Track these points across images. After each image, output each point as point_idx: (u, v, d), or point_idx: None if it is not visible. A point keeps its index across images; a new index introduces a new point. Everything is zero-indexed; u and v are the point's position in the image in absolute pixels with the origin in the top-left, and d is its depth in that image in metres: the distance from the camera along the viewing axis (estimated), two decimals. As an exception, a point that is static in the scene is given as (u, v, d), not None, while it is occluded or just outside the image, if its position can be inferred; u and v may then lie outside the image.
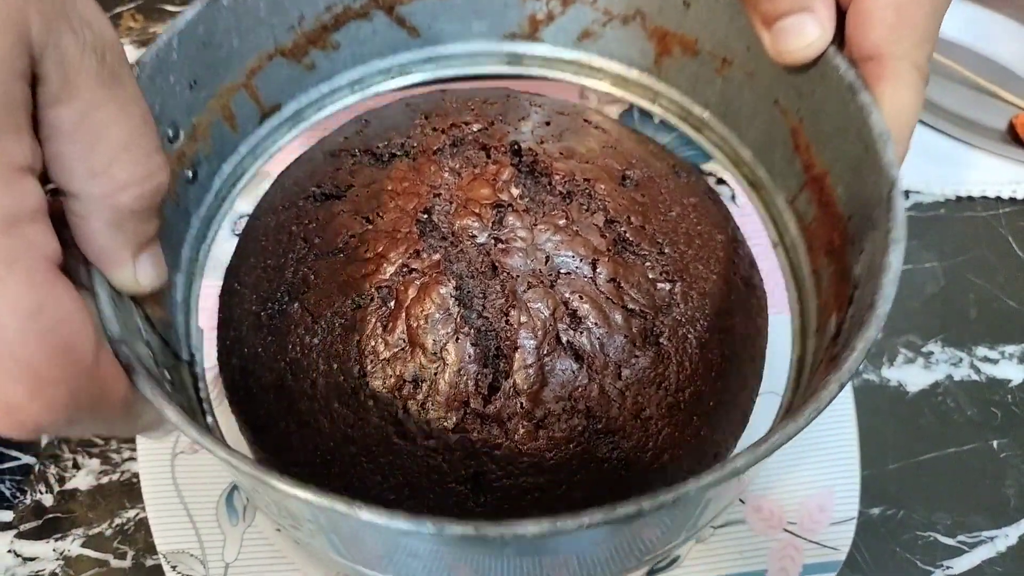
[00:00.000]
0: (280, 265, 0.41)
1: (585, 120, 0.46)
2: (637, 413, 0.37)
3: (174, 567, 0.42)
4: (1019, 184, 0.61)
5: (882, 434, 0.51)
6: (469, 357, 0.36)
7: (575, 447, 0.36)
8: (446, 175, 0.40)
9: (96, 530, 0.47)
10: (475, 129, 0.43)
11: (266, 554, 0.43)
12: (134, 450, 0.48)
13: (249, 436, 0.40)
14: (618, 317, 0.38)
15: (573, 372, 0.37)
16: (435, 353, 0.36)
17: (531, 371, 0.36)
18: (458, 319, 0.37)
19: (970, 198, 0.62)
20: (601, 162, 0.42)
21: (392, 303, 0.38)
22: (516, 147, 0.42)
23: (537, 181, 0.41)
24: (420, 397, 0.36)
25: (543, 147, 0.42)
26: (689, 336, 0.40)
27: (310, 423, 0.38)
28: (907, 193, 0.61)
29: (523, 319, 0.37)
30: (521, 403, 0.36)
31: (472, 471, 0.36)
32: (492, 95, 0.47)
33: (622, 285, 0.39)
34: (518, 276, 0.37)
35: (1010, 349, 0.54)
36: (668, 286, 0.40)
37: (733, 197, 0.58)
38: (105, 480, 0.49)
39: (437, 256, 0.38)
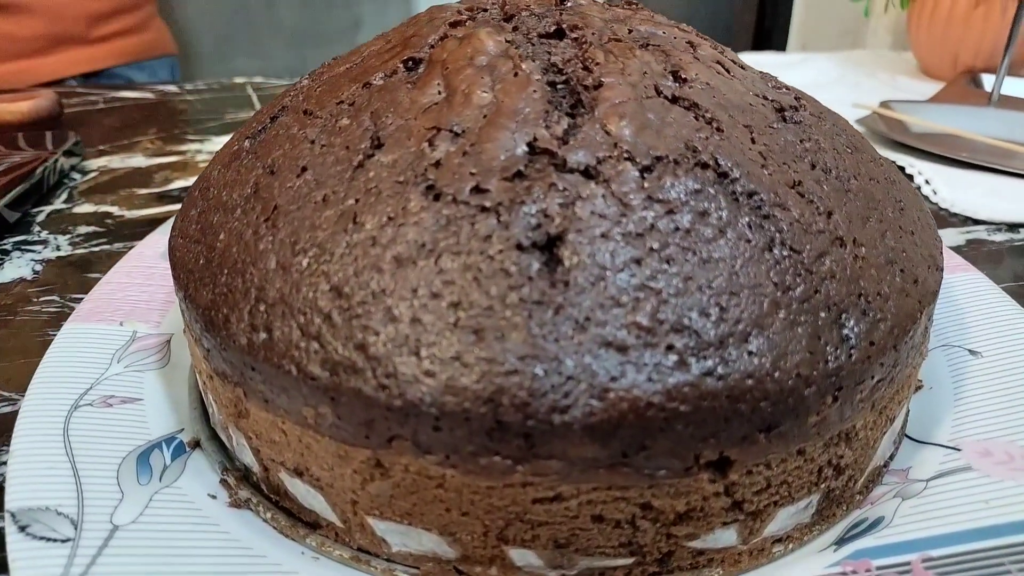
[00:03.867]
0: (275, 103, 0.31)
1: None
2: (792, 184, 0.25)
3: (23, 527, 0.24)
4: None
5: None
6: (534, 95, 0.25)
7: (703, 203, 0.23)
8: (490, 3, 0.33)
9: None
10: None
11: (183, 519, 0.25)
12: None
13: (199, 277, 0.26)
14: (738, 86, 0.28)
15: (686, 121, 0.25)
16: (484, 93, 0.25)
17: (626, 109, 0.24)
18: (516, 60, 0.26)
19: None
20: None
21: (423, 66, 0.27)
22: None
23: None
24: (460, 148, 0.24)
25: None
26: (836, 140, 0.28)
27: (292, 213, 0.25)
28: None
29: (609, 59, 0.26)
30: (615, 144, 0.24)
31: (544, 236, 0.22)
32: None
33: (732, 73, 0.29)
34: (594, 33, 0.28)
35: None
36: (789, 96, 0.30)
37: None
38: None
39: (486, 15, 0.29)
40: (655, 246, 0.22)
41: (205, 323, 0.25)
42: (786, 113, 0.28)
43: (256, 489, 0.28)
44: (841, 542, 0.25)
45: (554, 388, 0.20)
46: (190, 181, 0.63)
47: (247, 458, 0.27)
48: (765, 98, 0.28)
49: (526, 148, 0.23)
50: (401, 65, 0.28)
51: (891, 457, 0.29)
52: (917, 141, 0.67)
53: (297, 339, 0.22)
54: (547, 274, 0.22)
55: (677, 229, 0.22)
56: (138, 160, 0.68)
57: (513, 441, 0.21)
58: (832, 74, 0.96)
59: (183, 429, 0.30)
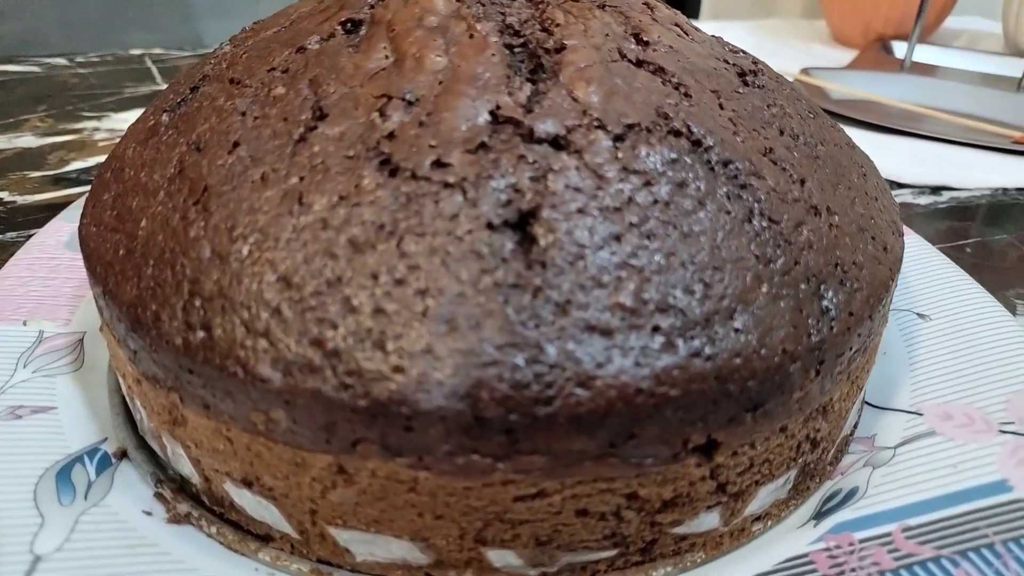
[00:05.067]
0: (195, 72, 0.28)
1: None
2: (764, 151, 0.24)
3: (-76, 567, 0.21)
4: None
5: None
6: (493, 59, 0.23)
7: (680, 174, 0.22)
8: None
9: None
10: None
11: (116, 541, 0.23)
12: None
13: (120, 270, 0.23)
14: (699, 49, 0.26)
15: (654, 86, 0.23)
16: (438, 58, 0.23)
17: (592, 73, 0.23)
18: (470, 20, 0.24)
19: (1004, 190, 0.56)
20: None
21: (364, 29, 0.25)
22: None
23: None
24: (415, 118, 0.22)
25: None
26: (798, 105, 0.28)
27: (226, 195, 0.22)
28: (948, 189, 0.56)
29: (569, 20, 0.24)
30: (584, 111, 0.22)
31: (516, 213, 0.20)
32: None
33: (691, 36, 0.28)
34: (549, -5, 0.26)
35: None
36: (747, 60, 0.29)
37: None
38: None
39: (431, -26, 0.26)
40: (634, 221, 0.20)
41: (131, 322, 0.22)
42: (747, 78, 0.27)
43: (196, 501, 0.25)
44: (819, 516, 0.25)
45: (537, 378, 0.19)
46: (90, 162, 0.58)
47: (184, 468, 0.24)
48: (726, 62, 0.27)
49: (489, 117, 0.21)
50: (339, 27, 0.25)
51: (855, 425, 0.29)
52: (838, 107, 0.69)
53: (242, 337, 0.20)
54: (522, 255, 0.20)
55: (656, 202, 0.21)
56: (27, 140, 0.62)
57: (494, 438, 0.19)
58: (747, 42, 0.97)
59: (106, 438, 0.27)
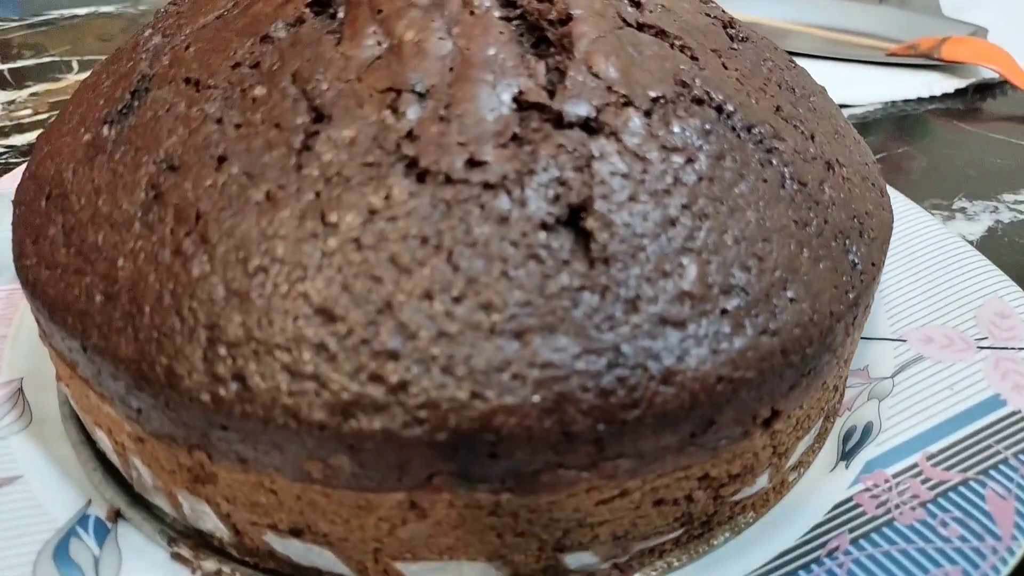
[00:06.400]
0: (127, 72, 0.24)
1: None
2: (774, 109, 0.23)
3: None
4: (930, 86, 0.61)
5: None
6: (502, 37, 0.21)
7: (715, 146, 0.21)
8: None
9: None
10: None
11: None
12: None
13: (104, 321, 0.20)
14: (685, 5, 0.25)
15: (664, 52, 0.22)
16: (441, 40, 0.21)
17: (603, 44, 0.21)
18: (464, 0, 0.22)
19: (893, 102, 0.60)
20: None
21: (342, 11, 0.22)
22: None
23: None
24: (432, 112, 0.20)
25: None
26: (780, 56, 0.27)
27: (226, 221, 0.19)
28: (844, 106, 0.58)
29: (565, -12, 0.23)
30: (608, 87, 0.21)
31: (566, 208, 0.19)
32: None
33: (672, -9, 0.26)
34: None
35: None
36: (719, 10, 0.28)
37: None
38: None
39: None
40: (685, 202, 0.20)
41: (134, 380, 0.19)
42: (730, 31, 0.26)
43: (222, 555, 0.23)
44: (846, 457, 0.26)
45: (620, 382, 0.18)
46: (-63, 166, 0.50)
47: (207, 524, 0.22)
48: (708, 16, 0.26)
49: (513, 104, 0.20)
50: (307, 9, 0.22)
51: (846, 359, 0.30)
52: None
53: (286, 383, 0.18)
54: (581, 253, 0.19)
55: (700, 179, 0.20)
56: None
57: (581, 450, 0.18)
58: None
59: (90, 500, 0.24)
